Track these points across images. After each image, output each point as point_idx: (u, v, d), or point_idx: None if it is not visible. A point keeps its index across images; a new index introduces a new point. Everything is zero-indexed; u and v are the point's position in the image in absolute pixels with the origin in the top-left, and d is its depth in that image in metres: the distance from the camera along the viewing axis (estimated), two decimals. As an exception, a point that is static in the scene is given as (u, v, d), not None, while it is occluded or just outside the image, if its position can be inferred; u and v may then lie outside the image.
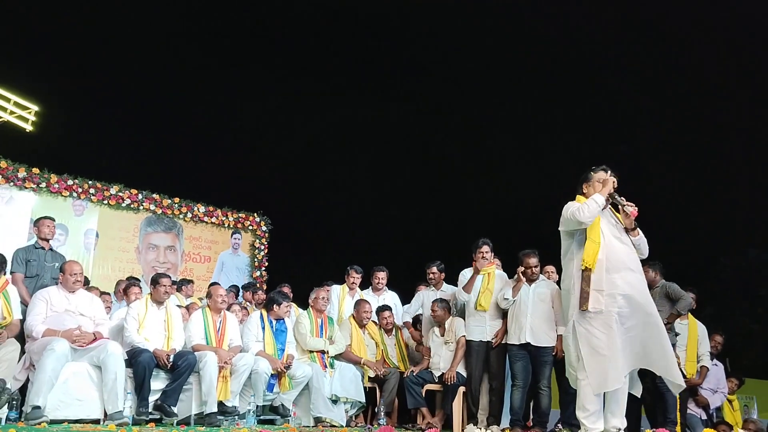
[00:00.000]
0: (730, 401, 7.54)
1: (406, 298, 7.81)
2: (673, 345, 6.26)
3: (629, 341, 4.33)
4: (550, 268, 6.82)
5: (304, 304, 7.53)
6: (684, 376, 6.56)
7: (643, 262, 4.68)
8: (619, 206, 4.56)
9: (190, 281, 8.48)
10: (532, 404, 6.44)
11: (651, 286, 5.86)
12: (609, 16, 18.33)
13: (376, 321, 7.16)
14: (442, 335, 6.68)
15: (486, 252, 6.57)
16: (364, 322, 6.93)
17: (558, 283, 6.47)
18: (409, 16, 20.12)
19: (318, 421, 6.13)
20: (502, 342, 6.37)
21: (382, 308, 7.18)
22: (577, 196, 4.70)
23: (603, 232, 4.43)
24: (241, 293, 8.84)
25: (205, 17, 19.14)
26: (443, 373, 6.48)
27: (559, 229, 4.69)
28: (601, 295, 4.31)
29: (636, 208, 4.49)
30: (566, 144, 17.96)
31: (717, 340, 7.29)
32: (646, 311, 4.36)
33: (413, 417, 6.64)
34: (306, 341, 6.55)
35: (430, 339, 6.78)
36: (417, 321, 7.41)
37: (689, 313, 6.83)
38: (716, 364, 7.16)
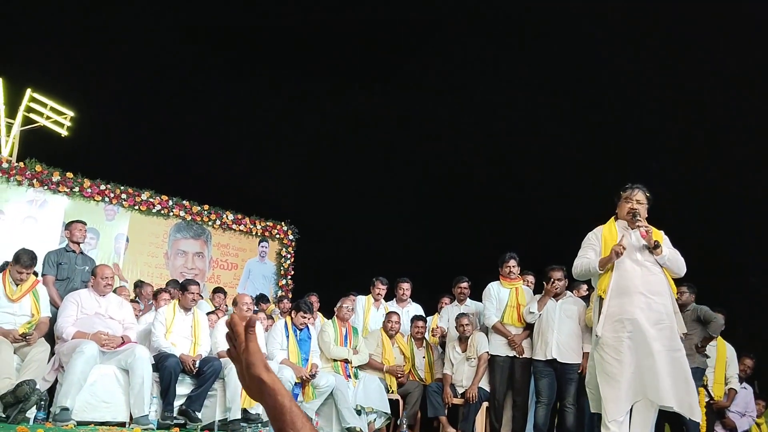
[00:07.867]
0: (758, 425, 7.42)
1: (429, 311, 7.80)
2: (704, 369, 6.18)
3: (642, 369, 4.19)
4: (584, 287, 6.78)
5: (328, 314, 7.55)
6: (711, 398, 6.49)
7: (679, 282, 4.59)
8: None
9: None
10: (556, 422, 6.38)
11: (683, 307, 5.79)
12: (633, 27, 18.18)
13: (404, 333, 7.12)
14: (464, 351, 6.65)
15: (513, 266, 6.57)
16: (392, 333, 6.93)
17: (585, 299, 6.46)
18: (437, 21, 20.12)
19: (351, 431, 6.05)
20: (528, 357, 6.34)
21: (417, 317, 7.12)
22: (613, 216, 4.77)
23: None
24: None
25: (229, 26, 19.29)
26: (465, 390, 6.46)
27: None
28: (609, 321, 4.30)
29: (647, 230, 4.45)
30: (594, 160, 17.79)
31: (747, 363, 7.18)
32: (658, 340, 4.18)
33: (436, 429, 6.61)
34: (329, 349, 6.56)
35: (451, 355, 6.76)
36: (442, 335, 7.38)
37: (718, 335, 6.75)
38: (745, 387, 7.06)
